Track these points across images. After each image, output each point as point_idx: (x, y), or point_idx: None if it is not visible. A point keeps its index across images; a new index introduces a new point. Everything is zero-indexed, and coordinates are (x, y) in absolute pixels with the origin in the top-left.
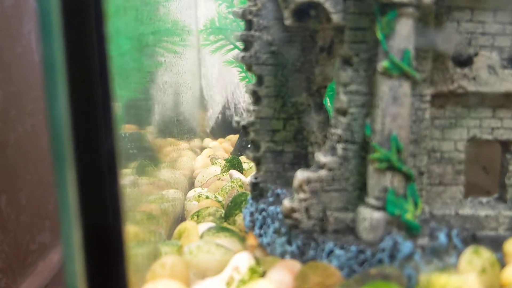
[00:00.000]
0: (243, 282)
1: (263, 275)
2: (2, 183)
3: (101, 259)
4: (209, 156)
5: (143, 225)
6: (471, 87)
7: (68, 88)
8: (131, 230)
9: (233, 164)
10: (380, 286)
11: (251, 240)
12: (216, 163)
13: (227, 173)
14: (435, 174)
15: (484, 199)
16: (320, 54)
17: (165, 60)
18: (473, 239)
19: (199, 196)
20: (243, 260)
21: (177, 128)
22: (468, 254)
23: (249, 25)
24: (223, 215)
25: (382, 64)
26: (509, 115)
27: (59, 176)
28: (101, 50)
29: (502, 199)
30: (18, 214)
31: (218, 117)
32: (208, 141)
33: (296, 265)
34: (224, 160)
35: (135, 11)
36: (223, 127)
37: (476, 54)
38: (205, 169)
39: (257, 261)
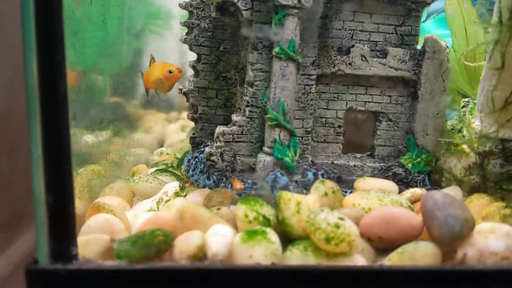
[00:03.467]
0: (168, 201)
1: (184, 197)
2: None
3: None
4: (182, 125)
5: (107, 168)
6: (348, 70)
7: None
8: (97, 169)
9: None
10: (250, 200)
11: (237, 183)
12: (184, 131)
13: None
14: (320, 134)
15: (358, 155)
16: (244, 41)
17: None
18: (338, 180)
19: (161, 153)
20: (171, 187)
21: (157, 101)
22: (316, 183)
23: (191, 14)
24: (175, 165)
25: (275, 49)
26: (377, 92)
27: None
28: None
29: (371, 155)
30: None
31: None
32: (185, 114)
33: (207, 192)
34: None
35: None
36: None
37: (352, 46)
38: (174, 135)
39: (181, 188)
